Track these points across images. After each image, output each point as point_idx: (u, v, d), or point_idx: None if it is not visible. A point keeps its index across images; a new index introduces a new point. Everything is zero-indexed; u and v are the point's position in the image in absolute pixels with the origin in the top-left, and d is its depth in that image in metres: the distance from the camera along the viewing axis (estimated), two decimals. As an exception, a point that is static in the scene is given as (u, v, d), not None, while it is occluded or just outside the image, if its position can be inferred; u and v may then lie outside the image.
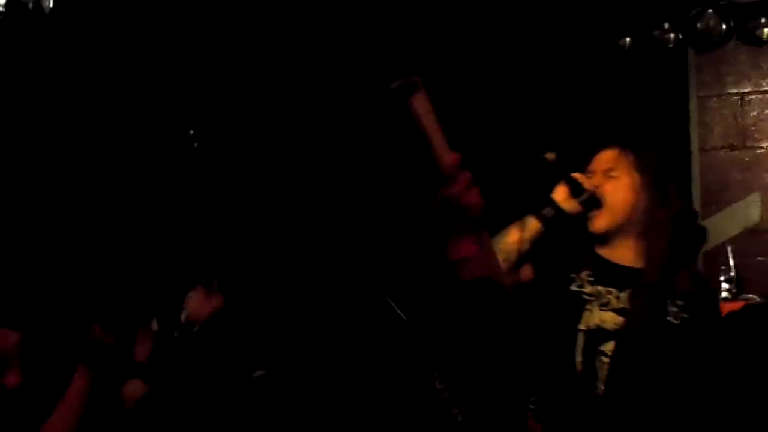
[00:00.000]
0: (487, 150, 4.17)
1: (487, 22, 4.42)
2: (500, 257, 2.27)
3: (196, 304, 2.99)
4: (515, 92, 4.53)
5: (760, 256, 4.50)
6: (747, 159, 4.63)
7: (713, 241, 4.47)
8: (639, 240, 2.34)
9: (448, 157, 1.70)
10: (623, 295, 2.27)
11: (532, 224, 2.29)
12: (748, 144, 4.64)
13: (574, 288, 2.31)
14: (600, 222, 2.32)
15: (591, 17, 4.55)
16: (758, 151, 4.61)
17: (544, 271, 2.38)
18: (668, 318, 2.22)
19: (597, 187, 2.31)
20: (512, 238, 2.32)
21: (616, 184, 2.32)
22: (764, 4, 4.38)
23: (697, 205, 4.72)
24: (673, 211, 2.31)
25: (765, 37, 4.43)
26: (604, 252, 2.35)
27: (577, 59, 4.55)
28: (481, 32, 4.47)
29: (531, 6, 4.45)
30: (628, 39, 4.54)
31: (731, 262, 4.09)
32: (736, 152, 4.66)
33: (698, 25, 4.43)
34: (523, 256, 2.31)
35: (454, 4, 4.28)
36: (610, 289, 2.29)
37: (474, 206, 1.70)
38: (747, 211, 4.57)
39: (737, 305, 3.70)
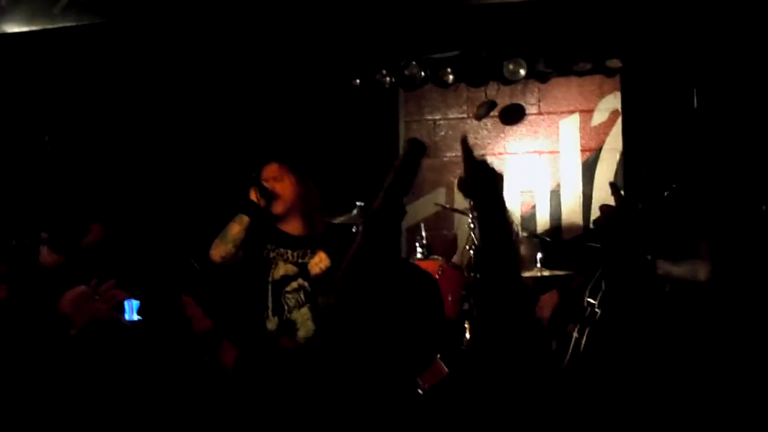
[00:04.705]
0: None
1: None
2: (229, 245, 2.96)
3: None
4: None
5: (444, 230, 5.47)
6: (437, 164, 5.54)
7: (413, 220, 5.23)
8: (301, 217, 3.12)
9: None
10: (296, 252, 3.03)
11: (244, 219, 2.99)
12: (438, 155, 5.54)
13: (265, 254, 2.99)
14: (277, 208, 3.06)
15: (332, 64, 5.26)
16: (444, 159, 5.53)
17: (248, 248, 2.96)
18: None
19: (272, 187, 3.05)
20: (235, 230, 3.01)
21: (282, 184, 3.08)
22: (450, 59, 5.29)
23: (406, 194, 5.61)
24: (314, 196, 3.07)
25: (450, 81, 5.36)
26: (281, 227, 3.09)
27: (320, 95, 5.26)
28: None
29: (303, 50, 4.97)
30: (358, 80, 5.38)
31: (424, 233, 4.55)
32: (430, 160, 5.51)
33: (405, 72, 5.32)
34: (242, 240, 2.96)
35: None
36: (287, 249, 3.06)
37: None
38: (435, 199, 5.43)
39: (430, 263, 4.29)
